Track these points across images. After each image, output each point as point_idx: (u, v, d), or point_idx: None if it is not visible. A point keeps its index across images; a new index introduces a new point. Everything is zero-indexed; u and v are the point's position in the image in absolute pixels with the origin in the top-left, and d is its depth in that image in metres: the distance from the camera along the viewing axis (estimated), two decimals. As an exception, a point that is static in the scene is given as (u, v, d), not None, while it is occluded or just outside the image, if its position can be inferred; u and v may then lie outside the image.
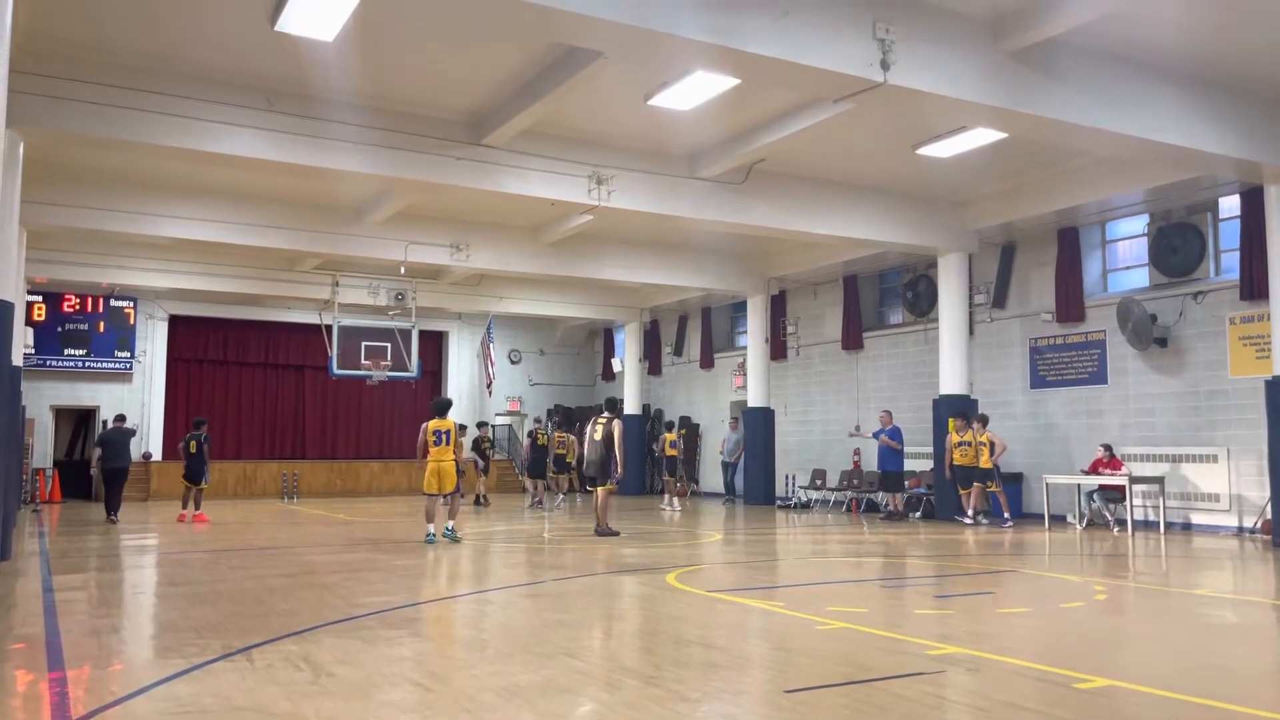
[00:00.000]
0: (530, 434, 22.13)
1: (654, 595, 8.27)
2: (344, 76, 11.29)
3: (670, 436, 20.24)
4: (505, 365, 27.71)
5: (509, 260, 18.84)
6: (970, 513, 15.21)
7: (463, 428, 13.85)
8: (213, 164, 12.82)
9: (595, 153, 13.62)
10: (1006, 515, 15.11)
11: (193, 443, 16.32)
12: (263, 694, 4.72)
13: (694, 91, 11.30)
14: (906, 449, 17.24)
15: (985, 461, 15.06)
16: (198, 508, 16.14)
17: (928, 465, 17.20)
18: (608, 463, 13.22)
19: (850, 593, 8.73)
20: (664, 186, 14.22)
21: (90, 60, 10.76)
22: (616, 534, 13.17)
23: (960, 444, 15.36)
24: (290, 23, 9.41)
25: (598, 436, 13.33)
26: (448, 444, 12.30)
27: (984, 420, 15.45)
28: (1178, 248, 14.64)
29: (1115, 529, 14.17)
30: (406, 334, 21.18)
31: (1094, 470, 14.45)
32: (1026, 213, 15.32)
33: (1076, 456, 15.60)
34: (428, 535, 12.05)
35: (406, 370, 21.19)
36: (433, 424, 12.37)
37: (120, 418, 17.75)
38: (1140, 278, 15.56)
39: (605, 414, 13.54)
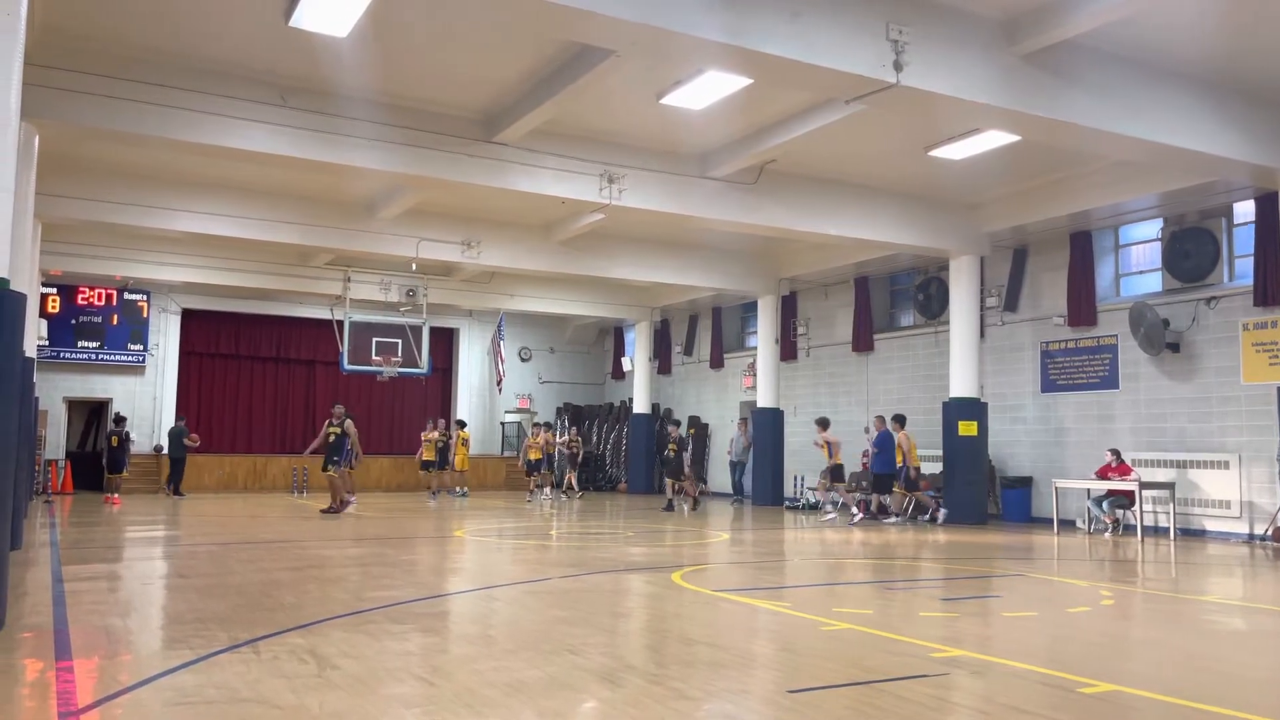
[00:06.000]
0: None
1: (659, 594, 8.28)
2: (357, 73, 11.33)
3: (460, 435, 21.73)
4: (515, 363, 27.75)
5: (520, 258, 18.87)
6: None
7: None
8: (226, 159, 12.90)
9: (607, 151, 13.64)
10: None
11: (114, 438, 19.34)
12: (267, 686, 4.75)
13: (706, 91, 11.30)
14: (919, 452, 17.29)
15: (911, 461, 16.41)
16: (117, 490, 19.09)
17: (938, 468, 17.16)
18: (344, 452, 16.52)
19: (856, 594, 8.71)
20: (675, 186, 14.23)
21: (105, 54, 10.83)
22: (338, 510, 16.15)
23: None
24: (305, 19, 9.46)
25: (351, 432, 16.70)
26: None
27: (901, 421, 16.45)
28: (1191, 253, 14.57)
29: (1108, 534, 14.17)
30: (418, 330, 21.23)
31: (1102, 476, 14.39)
32: (1039, 216, 15.27)
33: (1087, 461, 15.53)
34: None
35: (417, 366, 21.25)
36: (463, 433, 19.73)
37: (179, 417, 21.58)
38: (1153, 282, 15.50)
39: (346, 416, 16.73)
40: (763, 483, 20.61)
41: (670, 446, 18.94)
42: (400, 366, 21.04)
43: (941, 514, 16.23)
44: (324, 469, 16.50)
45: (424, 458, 21.98)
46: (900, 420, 16.70)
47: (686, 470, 18.78)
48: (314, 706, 4.41)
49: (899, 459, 16.35)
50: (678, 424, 20.04)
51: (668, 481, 19.15)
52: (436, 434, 22.03)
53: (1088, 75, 10.23)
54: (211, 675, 4.96)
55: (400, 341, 21.19)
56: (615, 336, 28.53)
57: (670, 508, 18.26)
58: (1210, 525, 14.09)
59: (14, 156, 6.19)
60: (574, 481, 22.32)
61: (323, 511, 16.18)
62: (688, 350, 25.95)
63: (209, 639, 5.82)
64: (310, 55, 10.79)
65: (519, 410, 27.95)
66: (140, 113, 11.08)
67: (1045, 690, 4.95)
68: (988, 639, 6.50)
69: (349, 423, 16.57)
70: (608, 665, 5.36)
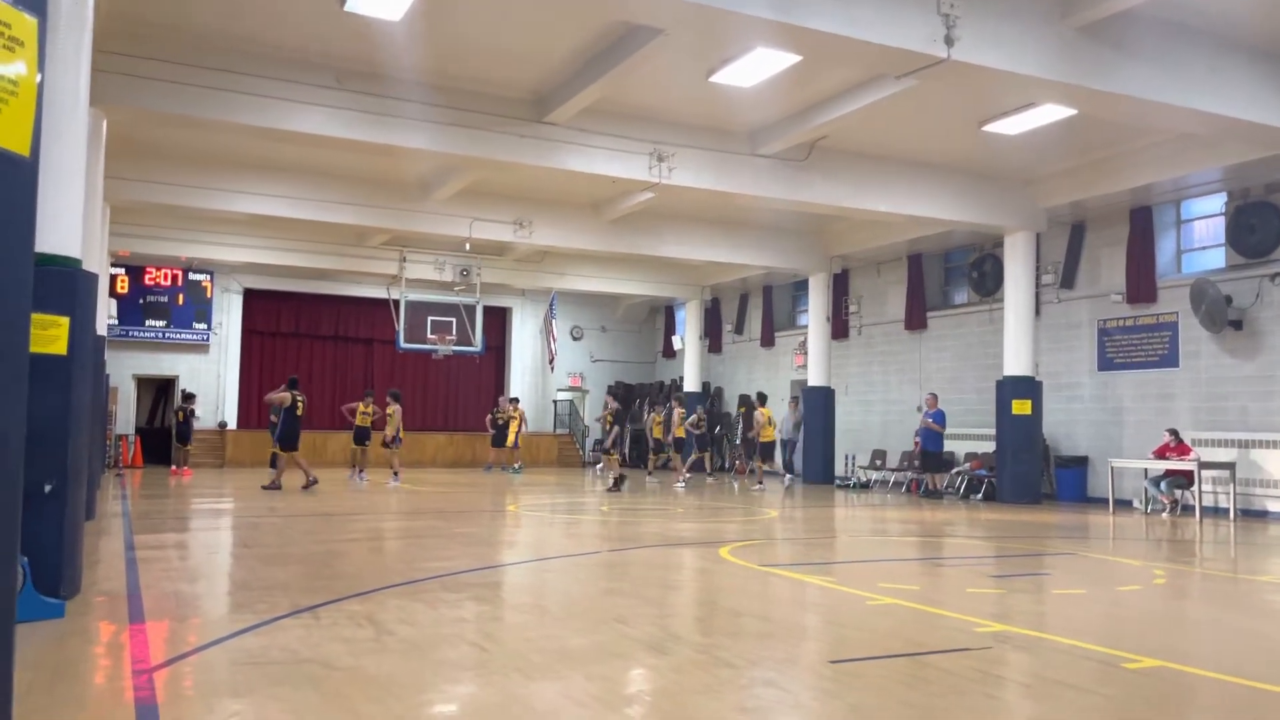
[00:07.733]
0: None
1: (707, 568, 8.38)
2: (411, 55, 11.52)
3: (516, 412, 22.13)
4: (567, 341, 27.97)
5: (571, 237, 19.02)
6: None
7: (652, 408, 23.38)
8: (286, 142, 13.19)
9: (656, 130, 13.67)
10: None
11: (180, 412, 20.45)
12: (327, 649, 4.95)
13: (755, 68, 11.27)
14: (972, 431, 17.17)
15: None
16: (185, 463, 20.13)
17: (990, 447, 17.01)
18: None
19: (904, 571, 8.74)
20: (725, 164, 14.22)
21: (168, 40, 11.14)
22: (279, 488, 15.41)
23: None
24: (359, 2, 9.64)
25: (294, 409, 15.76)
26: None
27: (762, 399, 18.66)
28: (1256, 227, 14.21)
29: (1166, 514, 13.92)
30: (471, 309, 21.54)
31: (1160, 455, 14.16)
32: (1097, 191, 14.98)
33: (1145, 441, 15.28)
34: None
35: (471, 345, 21.56)
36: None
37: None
38: (1216, 258, 15.14)
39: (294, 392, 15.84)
40: (813, 461, 20.59)
41: (605, 416, 17.85)
42: (455, 345, 21.37)
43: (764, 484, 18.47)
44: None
45: (357, 425, 19.12)
46: (762, 399, 19.28)
47: (610, 445, 17.62)
48: (371, 668, 4.60)
49: (761, 433, 18.73)
50: (614, 396, 19.74)
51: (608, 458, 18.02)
52: (375, 407, 19.41)
53: (1146, 46, 10.01)
54: (275, 638, 5.18)
55: (454, 320, 21.52)
56: (666, 315, 28.60)
57: (617, 487, 16.73)
58: (1272, 506, 13.80)
59: (84, 141, 6.45)
60: (707, 462, 21.03)
61: (263, 487, 15.48)
62: (738, 329, 25.94)
63: (272, 604, 6.06)
64: (364, 38, 10.98)
65: (571, 389, 28.19)
66: (203, 97, 11.39)
67: (1090, 665, 4.96)
68: (1034, 615, 6.50)
69: (286, 395, 15.61)
70: (655, 634, 5.48)
